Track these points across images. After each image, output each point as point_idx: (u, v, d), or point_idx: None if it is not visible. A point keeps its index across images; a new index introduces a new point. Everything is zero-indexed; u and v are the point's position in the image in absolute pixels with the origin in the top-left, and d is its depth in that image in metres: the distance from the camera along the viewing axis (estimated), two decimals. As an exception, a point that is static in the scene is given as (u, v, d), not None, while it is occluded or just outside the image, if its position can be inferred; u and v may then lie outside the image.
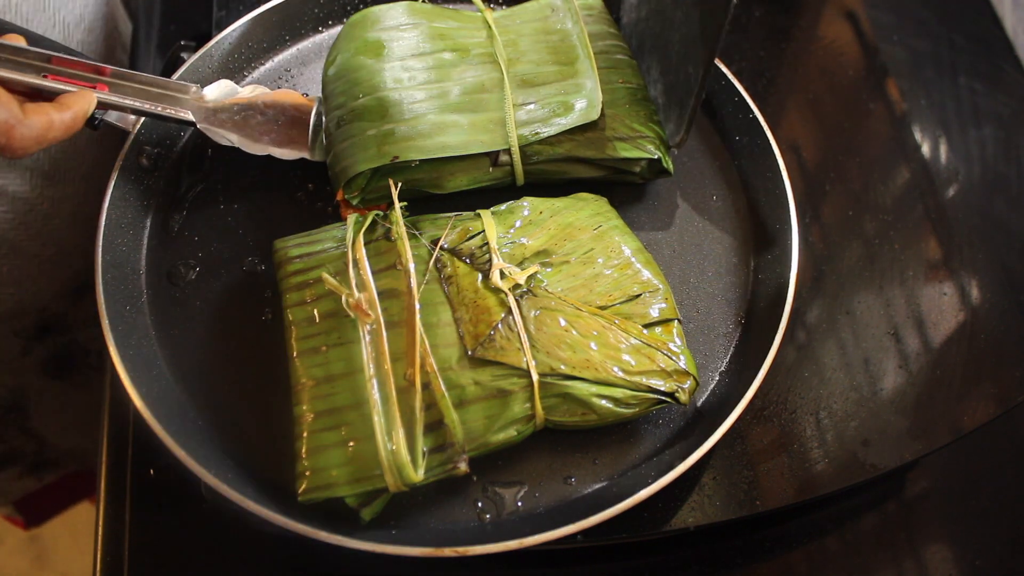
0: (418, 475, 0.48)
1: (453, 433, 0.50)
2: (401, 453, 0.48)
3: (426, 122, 0.60)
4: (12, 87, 0.53)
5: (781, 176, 0.64)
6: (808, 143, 0.76)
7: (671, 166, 0.63)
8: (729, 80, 0.68)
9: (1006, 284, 0.69)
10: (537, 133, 0.60)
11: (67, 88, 0.55)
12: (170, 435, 0.50)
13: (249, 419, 0.55)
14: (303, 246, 0.57)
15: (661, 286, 0.56)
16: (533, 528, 0.49)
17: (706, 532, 0.58)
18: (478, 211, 0.58)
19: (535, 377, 0.51)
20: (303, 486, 0.49)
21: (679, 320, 0.55)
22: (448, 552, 0.48)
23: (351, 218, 0.57)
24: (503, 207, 0.59)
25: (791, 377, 0.62)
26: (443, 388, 0.50)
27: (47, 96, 0.54)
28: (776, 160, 0.64)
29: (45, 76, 0.54)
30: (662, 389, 0.52)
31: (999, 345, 0.65)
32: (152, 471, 0.57)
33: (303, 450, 0.50)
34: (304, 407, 0.51)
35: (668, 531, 0.55)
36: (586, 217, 0.58)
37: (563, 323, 0.53)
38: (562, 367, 0.51)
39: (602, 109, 0.61)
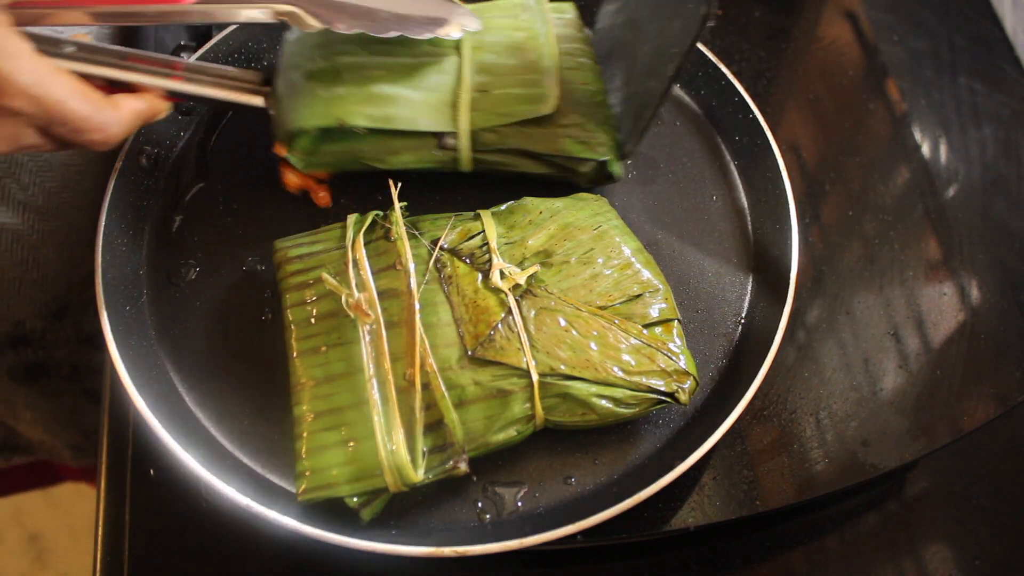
0: (418, 475, 0.48)
1: (453, 433, 0.50)
2: (401, 453, 0.48)
3: (377, 91, 0.59)
4: (92, 82, 0.53)
5: (781, 176, 0.64)
6: (808, 143, 0.76)
7: (619, 172, 0.62)
8: (729, 80, 0.68)
9: (1006, 284, 0.69)
10: (488, 120, 0.60)
11: (145, 80, 0.55)
12: (170, 435, 0.51)
13: (249, 419, 0.55)
14: (303, 246, 0.57)
15: (661, 286, 0.56)
16: (533, 528, 0.49)
17: (706, 532, 0.58)
18: (478, 211, 0.58)
19: (535, 377, 0.51)
20: (303, 486, 0.49)
21: (679, 320, 0.55)
22: (448, 552, 0.48)
23: (351, 218, 0.57)
24: (503, 207, 0.59)
25: (791, 377, 0.62)
26: (443, 388, 0.50)
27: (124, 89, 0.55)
28: (776, 160, 0.64)
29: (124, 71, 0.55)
30: (662, 389, 0.52)
31: (999, 345, 0.65)
32: (152, 471, 0.57)
33: (303, 450, 0.50)
34: (304, 407, 0.51)
35: (668, 531, 0.55)
36: (586, 217, 0.58)
37: (563, 323, 0.53)
38: (562, 367, 0.51)
39: (558, 105, 0.61)
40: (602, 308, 0.54)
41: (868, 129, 0.77)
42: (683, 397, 0.52)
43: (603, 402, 0.52)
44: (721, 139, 0.69)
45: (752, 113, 0.66)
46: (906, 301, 0.67)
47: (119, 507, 0.56)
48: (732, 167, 0.68)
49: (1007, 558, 0.59)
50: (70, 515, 1.28)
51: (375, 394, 0.50)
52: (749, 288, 0.63)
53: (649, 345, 0.53)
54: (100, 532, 0.55)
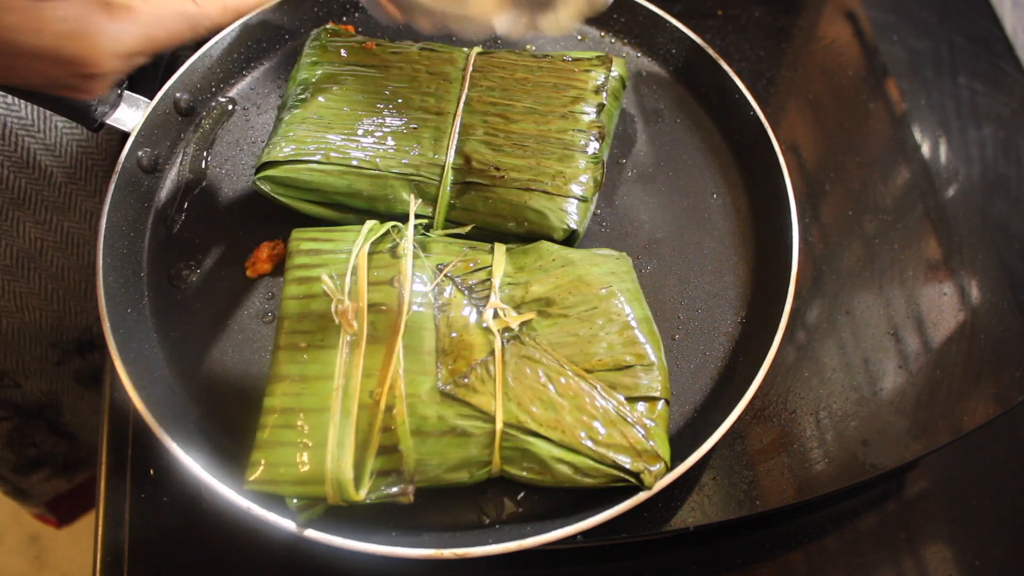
0: (359, 494, 0.47)
1: (405, 461, 0.48)
2: (345, 469, 0.47)
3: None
4: None
5: (782, 174, 0.63)
6: (808, 143, 0.76)
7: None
8: (730, 77, 0.68)
9: (1006, 284, 0.69)
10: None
11: None
12: (170, 436, 0.51)
13: (249, 420, 0.55)
14: (316, 242, 0.56)
15: (656, 362, 0.53)
16: (534, 529, 0.49)
17: (706, 532, 0.58)
18: (495, 243, 0.57)
19: (499, 426, 0.50)
20: (253, 475, 0.48)
21: (667, 401, 0.53)
22: (448, 555, 0.48)
23: (368, 224, 0.56)
24: (522, 246, 0.58)
25: (791, 377, 0.62)
26: (405, 415, 0.49)
27: None
28: (777, 158, 0.64)
29: None
30: (627, 467, 0.49)
31: (999, 345, 0.65)
32: (152, 471, 0.57)
33: (262, 441, 0.49)
34: (275, 400, 0.50)
35: (668, 531, 0.55)
36: (599, 274, 0.56)
37: (542, 378, 0.51)
38: (529, 421, 0.50)
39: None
40: (588, 371, 0.52)
41: (868, 129, 0.77)
42: (648, 479, 0.49)
43: (562, 467, 0.50)
44: (722, 136, 0.69)
45: (753, 110, 0.66)
46: (906, 301, 0.67)
47: (119, 507, 0.56)
48: (732, 165, 0.68)
49: (1007, 558, 0.59)
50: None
51: (337, 404, 0.49)
52: (749, 288, 0.63)
53: (625, 419, 0.51)
54: (100, 532, 0.55)
